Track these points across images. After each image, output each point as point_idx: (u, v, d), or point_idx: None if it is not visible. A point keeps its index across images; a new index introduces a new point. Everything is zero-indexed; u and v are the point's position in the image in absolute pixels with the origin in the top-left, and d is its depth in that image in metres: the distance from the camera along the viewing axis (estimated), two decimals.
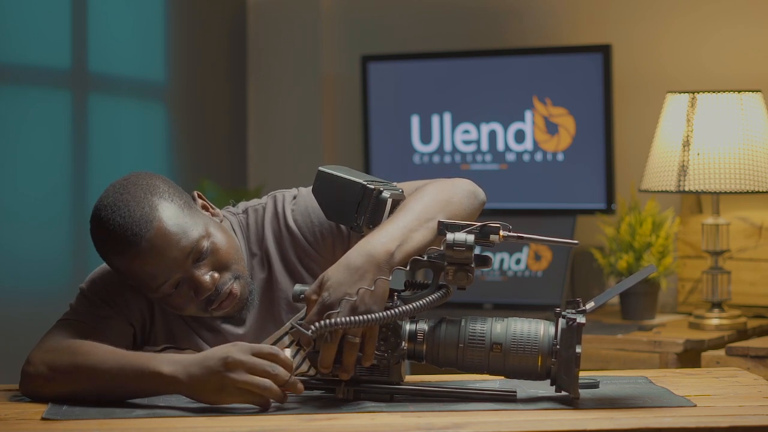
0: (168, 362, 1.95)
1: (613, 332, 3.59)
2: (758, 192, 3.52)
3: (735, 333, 3.60)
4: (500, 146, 4.15)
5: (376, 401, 1.93)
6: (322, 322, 1.87)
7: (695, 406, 1.90)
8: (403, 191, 2.10)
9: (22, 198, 3.91)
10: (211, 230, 2.14)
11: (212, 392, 1.91)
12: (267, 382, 1.89)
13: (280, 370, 1.90)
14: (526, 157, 4.12)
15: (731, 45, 3.96)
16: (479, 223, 1.93)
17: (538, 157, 4.10)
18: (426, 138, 4.24)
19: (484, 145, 4.17)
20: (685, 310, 3.90)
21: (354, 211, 2.04)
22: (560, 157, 4.07)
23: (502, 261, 4.06)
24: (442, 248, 1.91)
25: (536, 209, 4.10)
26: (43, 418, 1.86)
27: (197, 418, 1.85)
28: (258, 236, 2.26)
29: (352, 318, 1.88)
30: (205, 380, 1.91)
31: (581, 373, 1.91)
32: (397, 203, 2.07)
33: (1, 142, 3.87)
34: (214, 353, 1.93)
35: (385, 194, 2.04)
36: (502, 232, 1.92)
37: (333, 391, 1.95)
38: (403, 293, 1.96)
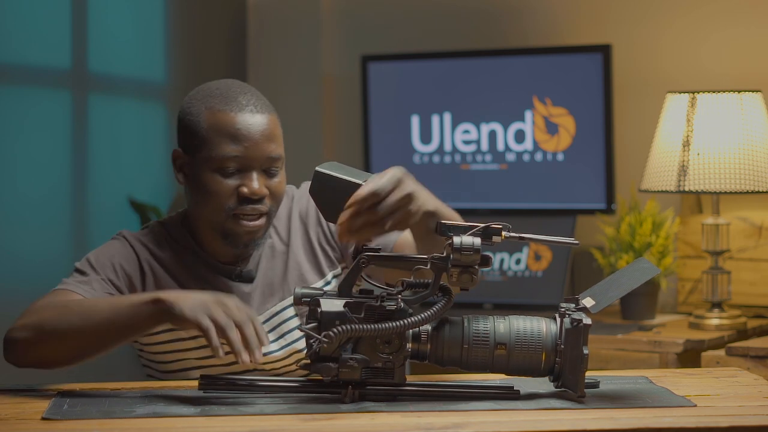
0: (164, 292, 2.03)
1: (613, 332, 3.59)
2: (758, 192, 3.52)
3: (735, 333, 3.60)
4: (500, 146, 4.15)
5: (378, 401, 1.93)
6: (339, 328, 1.88)
7: (695, 406, 1.90)
8: None
9: (22, 198, 3.91)
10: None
11: (191, 303, 1.95)
12: (235, 333, 1.93)
13: (251, 332, 1.94)
14: (526, 157, 4.12)
15: (731, 45, 3.96)
16: (482, 225, 1.92)
17: (538, 157, 4.10)
18: (426, 138, 4.24)
19: (484, 145, 4.17)
20: (685, 310, 3.91)
21: None
22: (560, 157, 4.07)
23: (502, 261, 4.06)
24: (444, 252, 1.91)
25: (536, 209, 4.09)
26: (43, 418, 1.86)
27: (197, 419, 1.85)
28: (287, 210, 2.38)
29: (369, 325, 1.88)
30: (193, 295, 1.98)
31: None
32: None
33: (1, 142, 3.87)
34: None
35: None
36: (504, 233, 1.92)
37: (338, 394, 1.95)
38: (403, 293, 1.96)
